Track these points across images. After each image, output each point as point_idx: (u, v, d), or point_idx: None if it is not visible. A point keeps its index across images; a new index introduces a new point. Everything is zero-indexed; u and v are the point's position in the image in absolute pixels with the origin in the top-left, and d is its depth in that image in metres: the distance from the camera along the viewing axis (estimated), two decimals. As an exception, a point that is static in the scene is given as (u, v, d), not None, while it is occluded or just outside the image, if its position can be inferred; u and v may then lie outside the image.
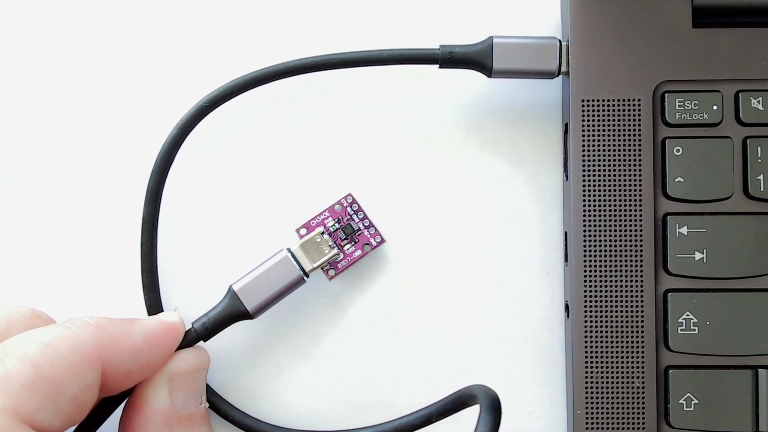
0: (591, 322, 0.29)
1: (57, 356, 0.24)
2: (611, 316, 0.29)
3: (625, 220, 0.29)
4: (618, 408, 0.29)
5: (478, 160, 0.33)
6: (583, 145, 0.30)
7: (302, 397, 0.32)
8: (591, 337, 0.29)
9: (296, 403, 0.32)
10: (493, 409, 0.25)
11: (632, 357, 0.29)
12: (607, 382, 0.29)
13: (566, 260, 0.31)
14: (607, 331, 0.29)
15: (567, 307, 0.31)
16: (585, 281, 0.29)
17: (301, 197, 0.33)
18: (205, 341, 0.30)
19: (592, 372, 0.29)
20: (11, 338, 0.25)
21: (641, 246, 0.29)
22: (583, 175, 0.30)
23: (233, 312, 0.30)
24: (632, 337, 0.29)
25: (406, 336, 0.32)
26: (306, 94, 0.33)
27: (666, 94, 0.30)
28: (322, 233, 0.31)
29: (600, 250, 0.29)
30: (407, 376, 0.32)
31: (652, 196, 0.30)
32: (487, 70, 0.31)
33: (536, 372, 0.32)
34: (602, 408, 0.29)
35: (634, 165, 0.30)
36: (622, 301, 0.29)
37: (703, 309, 0.29)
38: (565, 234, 0.31)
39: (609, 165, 0.30)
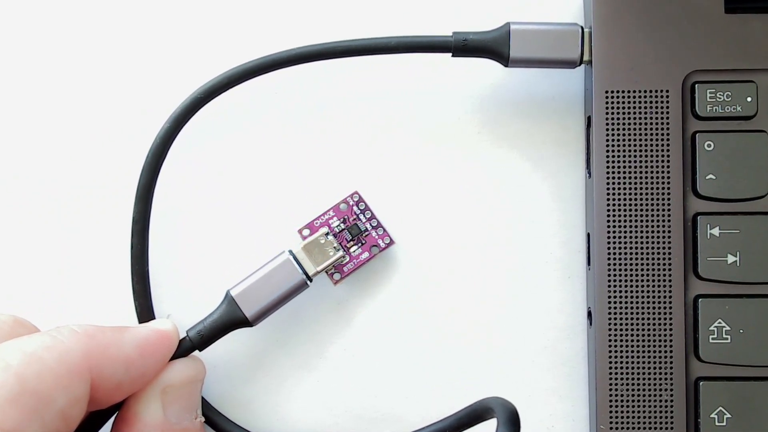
0: (615, 330, 0.29)
1: (42, 367, 0.24)
2: (637, 324, 0.29)
3: (652, 221, 0.30)
4: (644, 423, 0.29)
5: (494, 155, 0.33)
6: (607, 140, 0.30)
7: (305, 411, 0.32)
8: (615, 346, 0.29)
9: (298, 417, 0.32)
10: (511, 423, 0.25)
11: (660, 368, 0.29)
12: (633, 395, 0.29)
13: (589, 264, 0.31)
14: (632, 340, 0.29)
15: (589, 314, 0.31)
16: (609, 286, 0.29)
17: (303, 196, 0.33)
18: (200, 351, 0.30)
19: (616, 384, 0.29)
20: (-7, 348, 0.25)
21: (669, 248, 0.29)
22: (607, 172, 0.30)
23: (231, 319, 0.30)
24: (660, 346, 0.29)
25: (417, 345, 0.32)
26: (309, 84, 0.33)
27: (696, 85, 0.30)
28: (327, 234, 0.31)
29: (625, 253, 0.29)
30: (418, 388, 0.32)
31: (681, 194, 0.30)
32: (504, 58, 0.31)
33: (557, 384, 0.32)
34: (627, 423, 0.29)
35: (662, 161, 0.30)
36: (648, 308, 0.29)
37: (736, 316, 0.29)
38: (588, 235, 0.31)
39: (635, 161, 0.30)
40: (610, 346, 0.29)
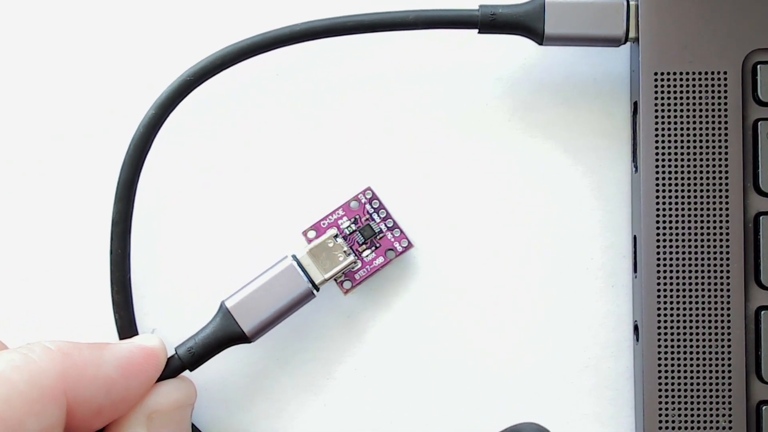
0: (666, 346, 0.29)
1: (11, 390, 0.24)
2: (691, 340, 0.29)
3: (708, 222, 0.30)
4: (699, 453, 0.29)
5: (527, 146, 0.33)
6: (656, 129, 0.30)
7: (310, 438, 0.32)
8: (666, 365, 0.29)
9: (302, 446, 0.32)
10: (548, 452, 0.26)
11: (717, 390, 0.29)
12: (686, 421, 0.29)
13: (635, 271, 0.31)
14: (685, 358, 0.29)
15: (636, 328, 0.31)
16: (658, 296, 0.30)
17: (309, 192, 0.33)
18: (191, 371, 0.30)
19: (667, 409, 0.29)
20: (-45, 368, 0.25)
21: (728, 253, 0.29)
22: (656, 166, 0.30)
23: (226, 334, 0.30)
24: (717, 365, 0.29)
25: (438, 363, 0.32)
26: (315, 65, 0.33)
27: (759, 66, 0.30)
28: (336, 236, 0.31)
29: (677, 259, 0.30)
30: (440, 412, 0.32)
31: (741, 191, 0.30)
32: (538, 35, 0.31)
33: (599, 408, 0.32)
34: (680, 453, 0.30)
35: (719, 153, 0.30)
36: (704, 321, 0.29)
37: (804, 331, 0.30)
38: (634, 238, 0.31)
39: (688, 153, 0.30)
40: (659, 365, 0.29)
